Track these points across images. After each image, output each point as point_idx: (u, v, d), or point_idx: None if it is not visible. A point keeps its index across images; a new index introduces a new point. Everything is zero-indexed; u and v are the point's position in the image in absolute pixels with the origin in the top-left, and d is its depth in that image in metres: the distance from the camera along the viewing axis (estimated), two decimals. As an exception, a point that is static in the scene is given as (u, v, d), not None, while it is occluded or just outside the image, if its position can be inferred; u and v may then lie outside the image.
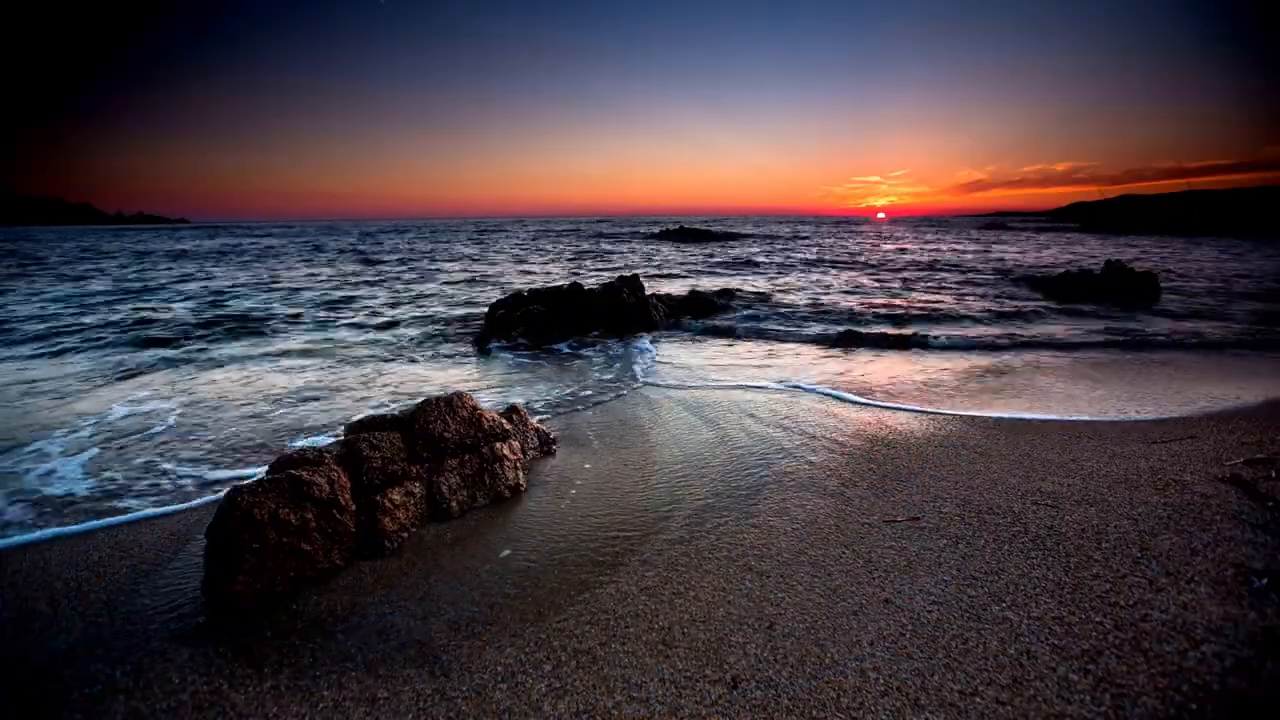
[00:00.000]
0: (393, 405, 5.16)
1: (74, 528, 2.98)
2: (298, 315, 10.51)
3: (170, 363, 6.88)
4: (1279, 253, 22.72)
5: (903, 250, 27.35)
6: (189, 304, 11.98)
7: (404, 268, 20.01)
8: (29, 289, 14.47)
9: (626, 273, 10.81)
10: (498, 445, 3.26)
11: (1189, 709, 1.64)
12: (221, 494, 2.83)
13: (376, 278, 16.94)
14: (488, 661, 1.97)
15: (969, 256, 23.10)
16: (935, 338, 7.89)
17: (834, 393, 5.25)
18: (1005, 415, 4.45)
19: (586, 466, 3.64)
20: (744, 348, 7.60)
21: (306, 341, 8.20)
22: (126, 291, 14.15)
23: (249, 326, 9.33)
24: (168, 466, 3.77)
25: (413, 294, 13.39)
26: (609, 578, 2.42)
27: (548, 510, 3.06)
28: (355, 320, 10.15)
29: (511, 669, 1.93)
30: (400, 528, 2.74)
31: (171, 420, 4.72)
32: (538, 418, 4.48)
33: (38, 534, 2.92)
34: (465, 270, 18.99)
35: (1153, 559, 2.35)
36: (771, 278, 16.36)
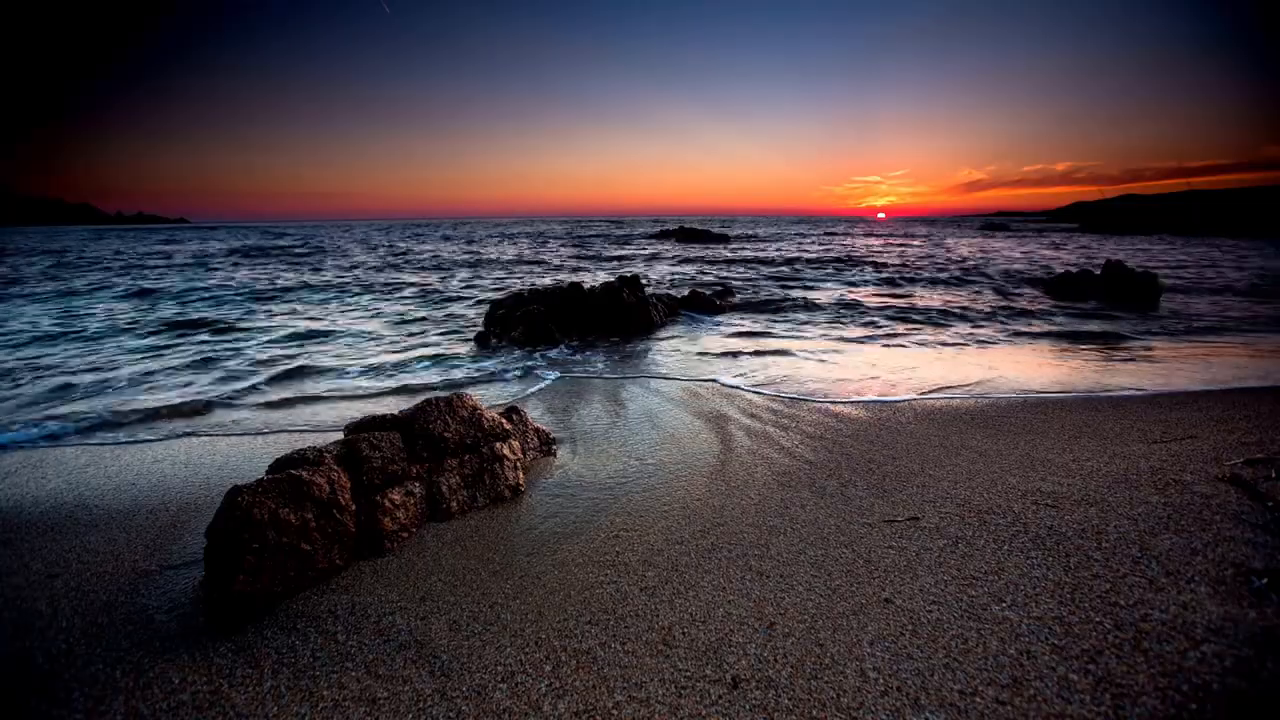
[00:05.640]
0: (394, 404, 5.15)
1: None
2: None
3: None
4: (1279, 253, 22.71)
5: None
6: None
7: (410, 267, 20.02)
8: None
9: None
10: (498, 445, 3.26)
11: (1189, 709, 1.64)
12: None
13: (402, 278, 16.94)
14: (488, 661, 1.96)
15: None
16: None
17: (836, 398, 5.25)
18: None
19: (586, 466, 3.64)
20: (742, 347, 7.59)
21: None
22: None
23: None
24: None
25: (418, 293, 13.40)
26: (609, 578, 2.42)
27: (548, 510, 3.06)
28: (372, 310, 10.15)
29: (511, 669, 1.93)
30: (400, 528, 2.74)
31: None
32: (535, 414, 4.47)
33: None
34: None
35: (1153, 559, 2.35)
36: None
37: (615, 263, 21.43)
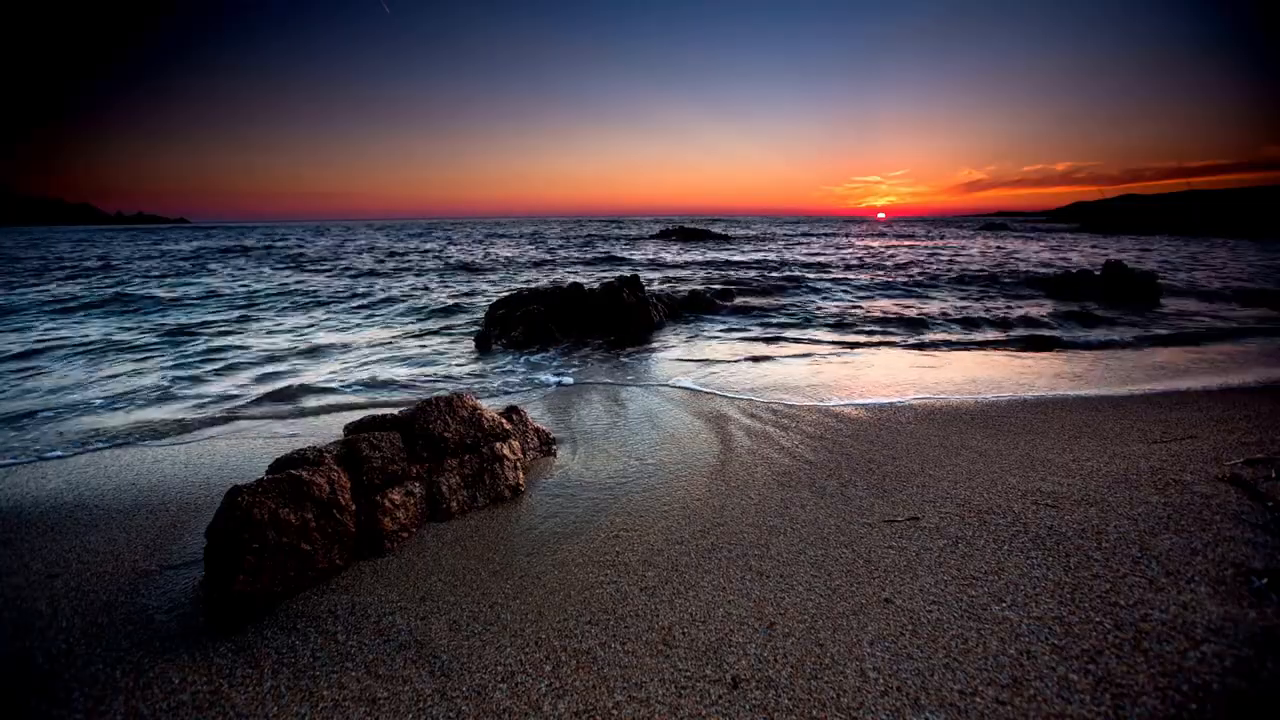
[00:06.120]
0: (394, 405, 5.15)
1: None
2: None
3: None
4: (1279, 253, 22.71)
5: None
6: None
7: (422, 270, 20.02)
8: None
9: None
10: (498, 445, 3.26)
11: (1189, 709, 1.64)
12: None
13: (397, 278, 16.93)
14: (488, 661, 1.97)
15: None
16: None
17: (829, 399, 5.25)
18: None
19: (586, 466, 3.64)
20: (743, 347, 7.60)
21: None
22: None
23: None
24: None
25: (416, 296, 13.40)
26: (609, 578, 2.42)
27: (548, 510, 3.06)
28: (371, 310, 10.15)
29: (511, 669, 1.93)
30: (400, 528, 2.74)
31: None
32: (535, 413, 4.47)
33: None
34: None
35: (1153, 559, 2.35)
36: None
37: (615, 262, 21.41)
